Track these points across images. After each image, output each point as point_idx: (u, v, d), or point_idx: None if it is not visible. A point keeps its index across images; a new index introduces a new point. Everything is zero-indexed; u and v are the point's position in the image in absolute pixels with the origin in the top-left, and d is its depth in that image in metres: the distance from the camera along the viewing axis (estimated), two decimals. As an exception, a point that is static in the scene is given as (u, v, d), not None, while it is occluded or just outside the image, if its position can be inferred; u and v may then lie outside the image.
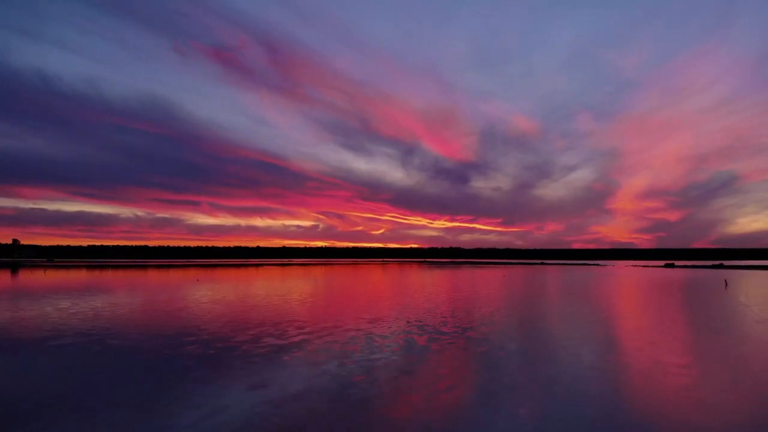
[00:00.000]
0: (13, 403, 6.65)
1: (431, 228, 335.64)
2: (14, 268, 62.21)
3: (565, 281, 36.85)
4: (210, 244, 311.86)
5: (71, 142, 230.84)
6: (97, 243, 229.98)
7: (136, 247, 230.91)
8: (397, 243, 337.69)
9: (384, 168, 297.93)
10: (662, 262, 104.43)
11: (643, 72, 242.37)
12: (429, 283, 34.00)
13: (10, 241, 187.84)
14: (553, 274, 51.05)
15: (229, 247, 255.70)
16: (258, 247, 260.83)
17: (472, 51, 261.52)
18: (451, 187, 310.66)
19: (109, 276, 42.90)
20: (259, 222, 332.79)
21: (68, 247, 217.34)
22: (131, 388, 7.40)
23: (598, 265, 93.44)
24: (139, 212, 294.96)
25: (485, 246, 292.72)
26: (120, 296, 22.71)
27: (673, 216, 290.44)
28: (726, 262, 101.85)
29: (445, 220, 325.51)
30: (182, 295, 23.58)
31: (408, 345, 10.99)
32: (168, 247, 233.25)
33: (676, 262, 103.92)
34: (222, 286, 29.82)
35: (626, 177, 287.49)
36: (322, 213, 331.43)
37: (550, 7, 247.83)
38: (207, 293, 24.54)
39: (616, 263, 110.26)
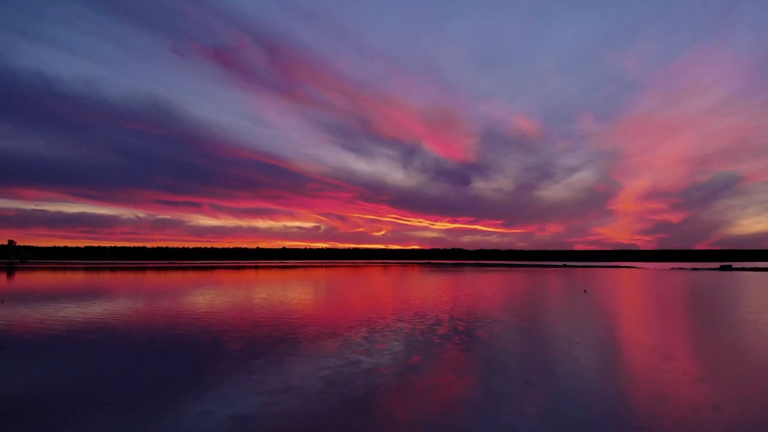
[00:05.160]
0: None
1: (432, 229, 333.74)
2: (9, 271, 59.91)
3: (661, 292, 28.93)
4: (211, 245, 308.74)
5: (71, 143, 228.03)
6: (98, 245, 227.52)
7: (132, 248, 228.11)
8: (399, 244, 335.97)
9: (385, 169, 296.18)
10: (717, 264, 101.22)
11: (645, 73, 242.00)
12: (492, 293, 27.27)
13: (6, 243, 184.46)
14: (613, 279, 47.06)
15: (228, 249, 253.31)
16: (258, 249, 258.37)
17: (472, 51, 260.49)
18: (452, 188, 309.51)
19: (40, 278, 40.58)
20: (260, 223, 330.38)
21: (65, 248, 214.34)
22: None
23: (632, 267, 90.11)
24: (141, 213, 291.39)
25: (487, 247, 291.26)
26: None
27: (675, 217, 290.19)
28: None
29: (446, 222, 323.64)
30: None
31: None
32: (166, 248, 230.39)
33: (733, 264, 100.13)
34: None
35: (628, 178, 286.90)
36: (323, 214, 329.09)
37: (551, 8, 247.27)
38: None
39: (652, 265, 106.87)
